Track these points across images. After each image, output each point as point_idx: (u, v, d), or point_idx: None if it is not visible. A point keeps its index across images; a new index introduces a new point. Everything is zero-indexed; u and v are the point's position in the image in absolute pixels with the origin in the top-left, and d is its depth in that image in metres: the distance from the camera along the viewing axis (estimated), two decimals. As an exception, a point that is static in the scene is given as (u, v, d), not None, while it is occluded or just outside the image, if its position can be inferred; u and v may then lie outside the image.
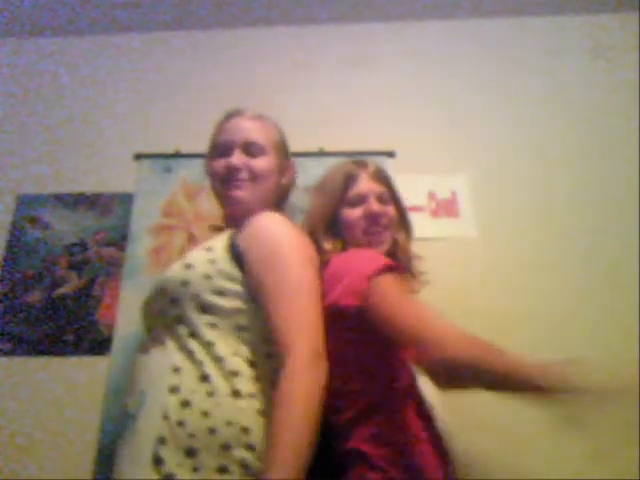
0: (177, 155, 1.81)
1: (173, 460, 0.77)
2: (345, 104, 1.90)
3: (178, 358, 0.86)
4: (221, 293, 0.90)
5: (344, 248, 1.09)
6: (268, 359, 0.89)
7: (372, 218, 1.09)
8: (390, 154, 1.78)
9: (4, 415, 1.50)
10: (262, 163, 1.07)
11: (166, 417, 0.81)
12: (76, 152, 1.87)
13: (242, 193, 1.05)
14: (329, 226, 1.11)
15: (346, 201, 1.11)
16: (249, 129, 1.10)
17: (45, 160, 1.86)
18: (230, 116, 1.13)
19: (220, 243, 0.97)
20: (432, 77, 1.95)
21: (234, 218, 1.06)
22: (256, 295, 0.89)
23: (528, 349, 1.50)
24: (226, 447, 0.78)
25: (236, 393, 0.83)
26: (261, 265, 0.90)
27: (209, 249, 0.96)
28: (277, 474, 0.70)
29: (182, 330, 0.89)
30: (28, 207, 1.77)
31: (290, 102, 1.90)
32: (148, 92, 1.97)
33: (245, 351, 0.88)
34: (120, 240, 1.69)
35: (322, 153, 1.80)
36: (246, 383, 0.85)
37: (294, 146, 1.84)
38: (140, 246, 1.66)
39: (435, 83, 1.94)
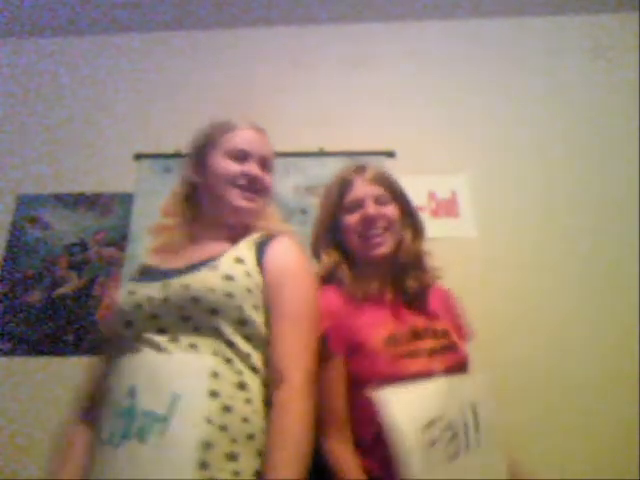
0: (177, 155, 1.81)
1: (217, 465, 0.79)
2: (345, 104, 1.90)
3: (214, 364, 0.86)
4: (257, 308, 0.94)
5: (340, 259, 1.09)
6: None
7: (368, 221, 1.09)
8: (390, 154, 1.78)
9: (4, 415, 1.50)
10: (270, 179, 1.11)
11: (209, 421, 0.81)
12: (76, 152, 1.88)
13: (254, 206, 1.06)
14: (329, 234, 1.13)
15: (344, 207, 1.12)
16: (265, 144, 1.13)
17: (45, 160, 1.86)
18: (237, 125, 1.14)
19: (248, 254, 0.99)
20: (432, 77, 1.95)
21: (227, 225, 1.07)
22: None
23: (528, 349, 1.51)
24: (261, 453, 0.84)
25: (269, 403, 0.88)
26: (275, 295, 0.95)
27: (240, 260, 0.97)
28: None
29: (218, 338, 0.89)
30: (28, 207, 1.77)
31: (290, 102, 1.91)
32: (148, 92, 1.97)
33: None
34: (120, 240, 1.69)
35: (322, 153, 1.80)
36: None
37: (294, 146, 1.85)
38: (140, 246, 1.66)
39: (435, 83, 1.94)
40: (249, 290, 0.92)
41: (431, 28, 2.02)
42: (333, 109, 1.89)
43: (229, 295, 0.90)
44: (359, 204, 1.10)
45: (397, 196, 1.16)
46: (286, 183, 1.74)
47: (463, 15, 2.00)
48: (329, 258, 1.10)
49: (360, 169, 1.17)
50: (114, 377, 0.88)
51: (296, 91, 1.93)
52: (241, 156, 1.07)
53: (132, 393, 0.84)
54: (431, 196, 1.74)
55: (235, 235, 1.05)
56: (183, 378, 0.84)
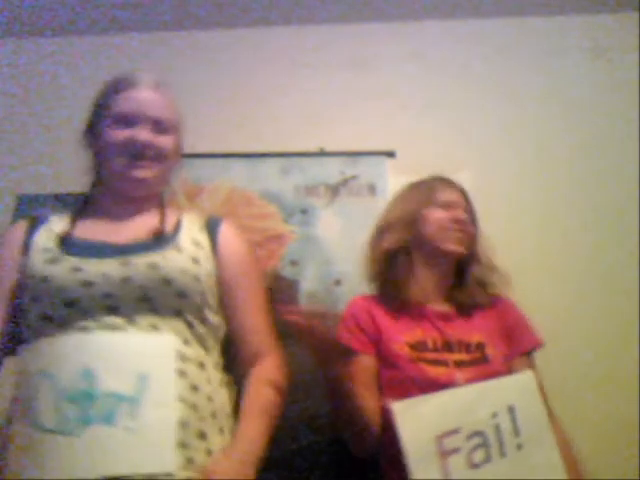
0: (177, 155, 1.81)
1: (193, 444, 0.79)
2: (345, 104, 1.90)
3: (178, 344, 0.85)
4: (213, 292, 0.96)
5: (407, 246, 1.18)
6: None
7: (459, 222, 1.17)
8: (390, 154, 1.78)
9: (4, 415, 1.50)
10: (168, 141, 1.00)
11: (182, 400, 0.80)
12: (76, 152, 1.87)
13: (149, 174, 0.97)
14: (408, 226, 1.22)
15: (436, 204, 1.20)
16: (160, 105, 1.02)
17: (45, 160, 1.86)
18: (131, 84, 1.03)
19: (202, 238, 0.99)
20: (432, 77, 1.95)
21: (127, 198, 1.00)
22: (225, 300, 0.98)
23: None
24: (221, 431, 0.86)
25: (222, 382, 0.93)
26: (238, 278, 0.98)
27: (197, 244, 0.97)
28: (248, 447, 0.84)
29: (179, 319, 0.88)
30: (28, 207, 1.77)
31: (290, 102, 1.90)
32: (148, 92, 1.97)
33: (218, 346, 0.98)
34: (120, 240, 1.69)
35: (322, 153, 1.80)
36: (224, 375, 0.95)
37: (294, 146, 1.85)
38: (140, 246, 1.66)
39: (435, 83, 1.94)
40: (209, 275, 0.94)
41: (431, 28, 2.02)
42: (333, 109, 1.89)
43: (196, 279, 0.90)
44: (450, 205, 1.16)
45: (472, 209, 1.22)
46: (286, 183, 1.74)
47: (463, 15, 2.00)
48: (399, 240, 1.15)
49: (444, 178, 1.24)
50: (50, 360, 0.80)
51: (296, 91, 1.93)
52: (128, 121, 0.97)
53: (88, 375, 0.77)
54: (431, 196, 1.74)
55: (149, 205, 1.01)
56: (149, 357, 0.81)
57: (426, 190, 1.19)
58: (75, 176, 1.85)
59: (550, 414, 0.99)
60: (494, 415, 0.92)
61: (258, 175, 1.74)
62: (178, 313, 0.88)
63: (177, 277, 0.88)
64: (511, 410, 0.94)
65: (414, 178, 1.73)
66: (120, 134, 0.96)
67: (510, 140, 1.83)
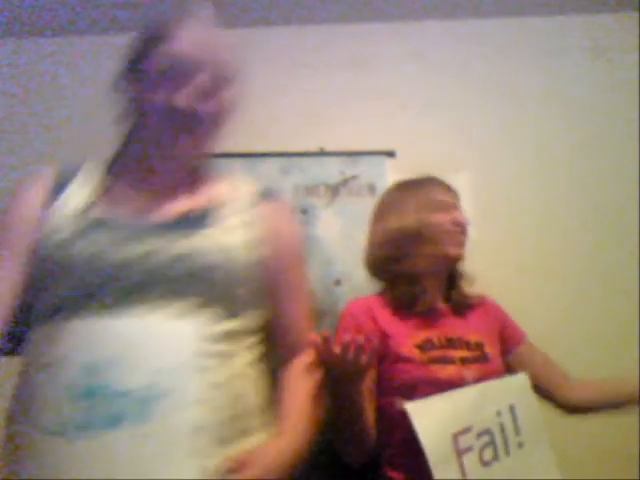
0: (177, 155, 1.81)
1: (209, 451, 0.68)
2: (345, 104, 1.90)
3: (202, 337, 0.73)
4: (253, 280, 0.84)
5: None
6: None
7: (458, 224, 1.16)
8: (390, 154, 1.78)
9: (4, 415, 1.50)
10: (227, 97, 0.88)
11: (201, 401, 0.69)
12: (76, 152, 1.87)
13: (213, 108, 0.84)
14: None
15: (430, 207, 1.18)
16: (221, 47, 0.89)
17: (45, 160, 1.86)
18: (191, 24, 0.88)
19: (249, 216, 0.85)
20: (432, 77, 1.95)
21: (166, 160, 0.83)
22: (268, 286, 0.86)
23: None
24: (246, 433, 0.75)
25: (253, 378, 0.81)
26: (286, 264, 0.88)
27: (243, 223, 0.83)
28: (293, 444, 0.76)
29: (208, 309, 0.75)
30: (28, 207, 1.77)
31: (290, 102, 1.90)
32: (148, 92, 1.97)
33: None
34: (120, 240, 1.69)
35: (322, 153, 1.80)
36: (258, 369, 0.84)
37: (294, 146, 1.85)
38: (140, 246, 1.65)
39: (435, 83, 1.94)
40: (251, 261, 0.81)
41: (431, 28, 2.02)
42: (333, 109, 1.89)
43: (232, 267, 0.78)
44: (448, 207, 1.13)
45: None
46: (286, 183, 1.74)
47: (463, 15, 2.00)
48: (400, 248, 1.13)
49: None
50: (53, 352, 0.71)
51: (296, 91, 1.93)
52: (184, 71, 0.80)
53: (93, 370, 0.67)
54: (431, 196, 1.74)
55: (189, 176, 0.87)
56: (165, 351, 0.69)
57: (421, 193, 1.16)
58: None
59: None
60: (498, 413, 0.93)
61: (258, 175, 1.74)
62: (206, 303, 0.75)
63: (210, 264, 0.75)
64: (512, 409, 0.94)
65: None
66: (169, 86, 0.80)
67: (510, 140, 1.83)
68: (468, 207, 1.73)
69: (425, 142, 1.82)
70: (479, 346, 1.06)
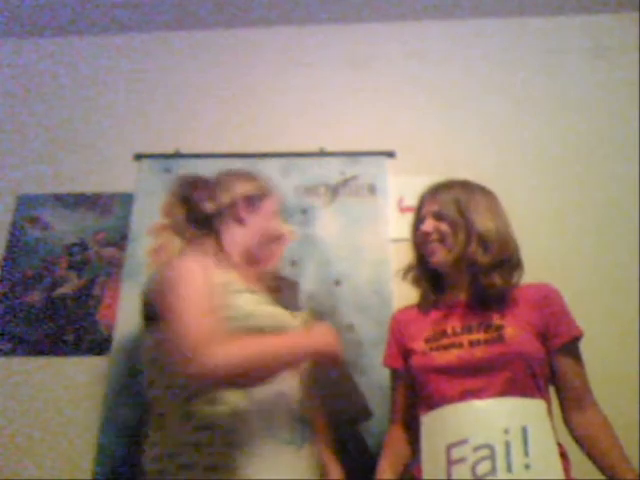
0: (177, 155, 1.81)
1: None
2: (345, 104, 1.90)
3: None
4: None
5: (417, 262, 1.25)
6: None
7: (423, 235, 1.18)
8: (390, 154, 1.78)
9: (4, 415, 1.50)
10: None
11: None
12: (76, 152, 1.87)
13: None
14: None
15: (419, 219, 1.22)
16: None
17: (45, 160, 1.86)
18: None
19: None
20: (432, 77, 1.95)
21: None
22: None
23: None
24: None
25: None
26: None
27: None
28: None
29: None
30: (28, 207, 1.77)
31: (290, 102, 1.91)
32: (148, 92, 1.97)
33: None
34: (120, 240, 1.69)
35: (322, 153, 1.80)
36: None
37: (294, 146, 1.85)
38: (140, 246, 1.66)
39: (435, 83, 1.94)
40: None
41: (431, 28, 2.02)
42: (333, 109, 1.89)
43: None
44: (422, 218, 1.18)
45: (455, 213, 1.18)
46: (286, 183, 1.74)
47: (463, 15, 2.00)
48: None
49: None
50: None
51: (296, 91, 1.93)
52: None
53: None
54: (431, 196, 1.74)
55: None
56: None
57: (419, 203, 1.21)
58: (75, 176, 1.87)
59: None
60: (506, 431, 0.93)
61: (258, 175, 1.74)
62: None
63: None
64: (524, 430, 0.93)
65: (414, 178, 1.74)
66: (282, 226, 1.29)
67: (510, 140, 1.83)
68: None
69: (425, 142, 1.82)
70: (498, 328, 1.05)
